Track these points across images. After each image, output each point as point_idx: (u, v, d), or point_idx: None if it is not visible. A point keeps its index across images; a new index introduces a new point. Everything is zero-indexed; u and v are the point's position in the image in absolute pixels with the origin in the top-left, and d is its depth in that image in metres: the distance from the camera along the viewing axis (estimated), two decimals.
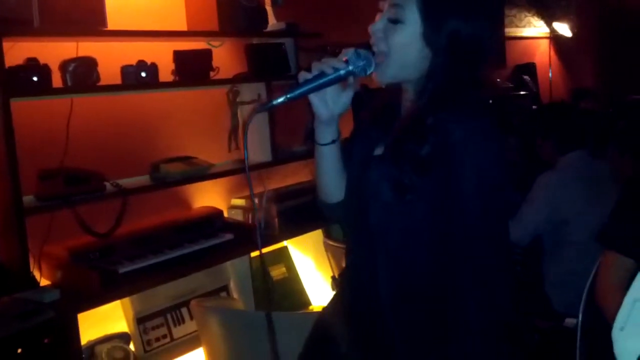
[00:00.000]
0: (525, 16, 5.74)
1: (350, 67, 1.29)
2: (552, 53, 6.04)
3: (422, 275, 1.29)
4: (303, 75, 1.29)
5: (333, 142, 1.38)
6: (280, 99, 1.27)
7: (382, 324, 1.33)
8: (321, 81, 1.29)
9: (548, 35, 5.98)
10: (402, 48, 1.28)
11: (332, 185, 1.44)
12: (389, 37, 1.28)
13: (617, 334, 1.04)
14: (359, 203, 1.36)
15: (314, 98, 1.31)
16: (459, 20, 1.26)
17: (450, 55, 1.26)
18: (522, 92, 5.27)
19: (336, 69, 1.28)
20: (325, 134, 1.38)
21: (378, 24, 1.31)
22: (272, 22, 3.10)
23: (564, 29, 5.93)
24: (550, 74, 5.98)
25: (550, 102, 5.01)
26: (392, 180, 1.26)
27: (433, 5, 1.25)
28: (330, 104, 1.32)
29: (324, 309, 1.60)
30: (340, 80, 1.30)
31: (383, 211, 1.30)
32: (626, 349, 1.01)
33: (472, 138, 1.22)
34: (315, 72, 1.29)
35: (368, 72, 1.31)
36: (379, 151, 1.36)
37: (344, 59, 1.29)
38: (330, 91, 1.31)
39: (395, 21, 1.27)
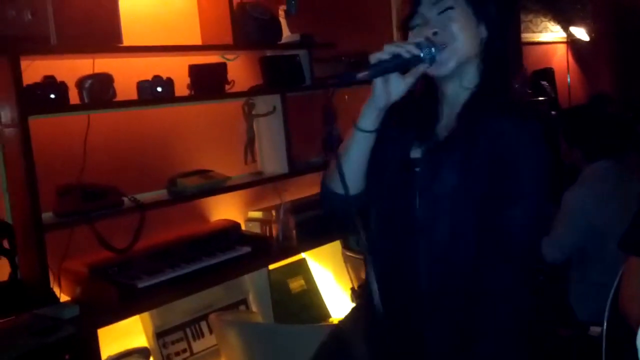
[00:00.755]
0: (542, 21, 5.70)
1: (422, 54, 1.28)
2: (570, 58, 5.99)
3: (462, 272, 1.32)
4: (377, 56, 1.27)
5: (375, 131, 1.35)
6: (361, 75, 1.25)
7: (417, 321, 1.35)
8: (396, 62, 1.27)
9: (565, 40, 5.93)
10: (463, 29, 1.33)
11: (356, 175, 1.39)
12: (448, 25, 1.32)
13: None
14: (401, 201, 1.37)
15: (379, 81, 1.29)
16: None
17: (500, 27, 1.35)
18: (540, 98, 5.22)
19: (411, 52, 1.28)
20: (372, 120, 1.34)
21: (433, 23, 1.33)
22: (286, 34, 3.11)
23: (581, 33, 5.88)
24: (568, 79, 5.93)
25: (575, 107, 4.95)
26: (457, 163, 1.30)
27: None
28: (391, 90, 1.30)
29: (342, 319, 1.58)
30: (410, 65, 1.29)
31: (433, 206, 1.32)
32: None
33: (533, 138, 1.29)
34: (389, 53, 1.27)
35: (434, 62, 1.31)
36: (416, 154, 1.38)
37: (415, 44, 1.29)
38: (393, 76, 1.29)
39: (447, 9, 1.32)
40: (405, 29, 1.38)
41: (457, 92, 1.38)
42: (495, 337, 1.29)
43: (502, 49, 1.37)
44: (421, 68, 1.30)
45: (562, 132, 2.89)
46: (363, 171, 1.40)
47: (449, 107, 1.40)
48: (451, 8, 1.32)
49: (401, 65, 1.28)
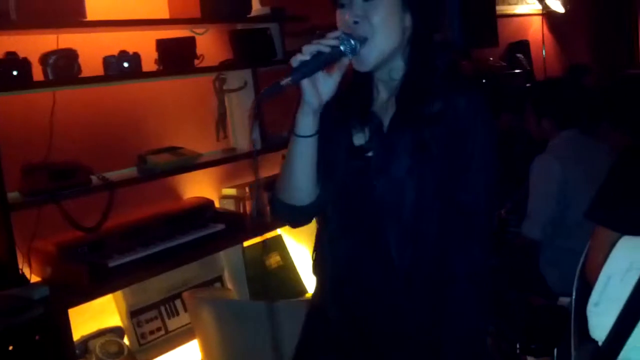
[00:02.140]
0: None
1: (342, 47, 1.25)
2: (545, 30, 5.98)
3: (431, 246, 1.35)
4: (298, 58, 1.23)
5: (315, 134, 1.31)
6: (285, 82, 1.21)
7: (394, 300, 1.37)
8: (319, 60, 1.23)
9: (541, 12, 5.92)
10: (386, 21, 1.28)
11: (305, 185, 1.36)
12: (371, 16, 1.27)
13: (591, 309, 1.02)
14: (359, 187, 1.37)
15: (306, 83, 1.24)
16: None
17: (425, 13, 1.32)
18: (515, 71, 5.22)
19: (330, 45, 1.24)
20: (310, 124, 1.30)
21: (356, 10, 1.28)
22: (257, 7, 3.06)
23: (556, 5, 5.87)
24: (544, 52, 5.93)
25: (547, 79, 4.96)
26: (410, 143, 1.31)
27: None
28: (320, 90, 1.27)
29: (313, 296, 1.58)
30: (334, 60, 1.25)
31: (395, 188, 1.33)
32: (599, 324, 0.99)
33: (479, 109, 1.32)
34: (309, 53, 1.24)
35: (356, 53, 1.27)
36: (359, 140, 1.37)
37: (333, 39, 1.25)
38: (320, 76, 1.26)
39: None
40: (333, 4, 1.33)
41: (387, 80, 1.38)
42: (464, 307, 1.35)
43: (427, 36, 1.35)
44: (345, 61, 1.27)
45: (532, 104, 2.89)
46: (313, 176, 1.36)
47: (383, 90, 1.39)
48: None
49: (324, 62, 1.24)
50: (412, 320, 1.38)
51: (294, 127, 1.32)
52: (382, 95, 1.40)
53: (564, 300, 2.37)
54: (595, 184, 2.07)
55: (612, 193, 1.83)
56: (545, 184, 2.69)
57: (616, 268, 1.08)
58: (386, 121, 1.37)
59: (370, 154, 1.36)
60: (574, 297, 2.00)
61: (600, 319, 0.97)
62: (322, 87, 1.27)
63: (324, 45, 1.24)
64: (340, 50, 1.25)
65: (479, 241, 1.36)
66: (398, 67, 1.36)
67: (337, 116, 1.37)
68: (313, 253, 1.52)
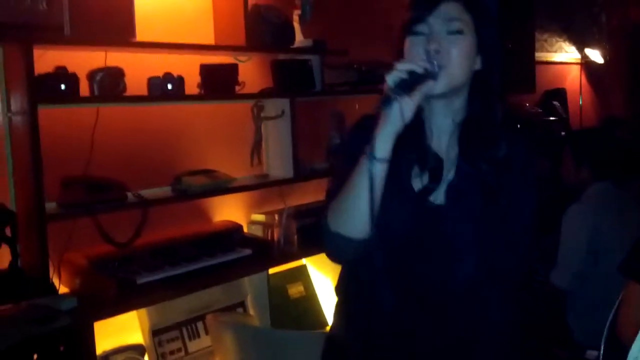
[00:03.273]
0: (557, 41, 5.68)
1: (430, 69, 1.25)
2: (583, 79, 5.97)
3: (484, 294, 1.37)
4: (395, 74, 1.22)
5: (388, 160, 1.25)
6: (394, 96, 1.21)
7: (431, 343, 1.37)
8: (414, 79, 1.22)
9: (579, 61, 5.92)
10: (463, 57, 1.31)
11: (368, 214, 1.25)
12: (452, 49, 1.29)
13: None
14: (419, 233, 1.35)
15: (398, 101, 1.21)
16: (494, 27, 1.38)
17: (493, 59, 1.35)
18: (551, 118, 5.20)
19: (423, 67, 1.24)
20: (388, 147, 1.24)
21: (437, 39, 1.29)
22: (299, 39, 3.11)
23: (595, 55, 5.87)
24: (580, 101, 5.91)
25: (589, 127, 4.93)
26: (479, 189, 1.31)
27: (483, 15, 1.34)
28: (404, 111, 1.23)
29: (333, 328, 1.57)
30: (422, 81, 1.24)
31: (460, 236, 1.33)
32: None
33: (531, 154, 1.38)
34: (405, 70, 1.22)
35: (436, 79, 1.27)
36: (418, 184, 1.35)
37: (422, 61, 1.26)
38: (404, 98, 1.23)
39: (458, 32, 1.30)
40: (405, 32, 1.33)
41: (441, 123, 1.37)
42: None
43: (491, 81, 1.36)
44: (429, 84, 1.25)
45: (571, 151, 2.88)
46: (376, 207, 1.25)
47: (437, 135, 1.38)
48: (461, 32, 1.30)
49: (415, 81, 1.23)
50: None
51: (369, 150, 1.24)
52: (437, 138, 1.38)
53: (591, 354, 2.33)
54: (627, 237, 2.05)
55: None
56: (576, 234, 2.66)
57: None
58: (446, 165, 1.35)
59: (434, 199, 1.35)
60: (602, 351, 1.97)
61: None
62: (405, 109, 1.23)
63: (417, 65, 1.23)
64: (428, 72, 1.24)
65: (516, 291, 1.39)
66: (458, 109, 1.36)
67: (392, 159, 1.29)
68: (338, 290, 1.51)
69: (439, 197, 1.35)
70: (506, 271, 1.35)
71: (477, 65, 1.34)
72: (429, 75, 1.24)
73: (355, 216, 1.27)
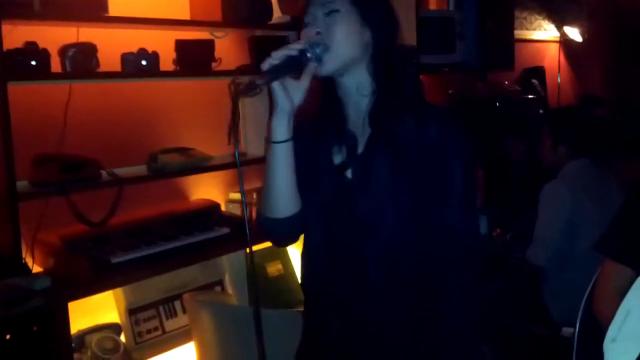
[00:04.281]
0: (536, 19, 5.67)
1: (309, 53, 1.32)
2: (562, 57, 5.98)
3: (410, 263, 1.39)
4: (268, 62, 1.29)
5: (290, 139, 1.36)
6: (261, 81, 1.27)
7: (372, 316, 1.40)
8: (288, 64, 1.30)
9: (558, 39, 5.92)
10: (346, 34, 1.36)
11: (286, 193, 1.39)
12: (331, 29, 1.35)
13: (608, 345, 1.01)
14: (339, 205, 1.41)
15: (277, 86, 1.30)
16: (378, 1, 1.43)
17: (386, 30, 1.40)
18: (530, 96, 5.21)
19: (297, 49, 1.31)
20: (284, 129, 1.34)
21: (318, 23, 1.36)
22: (277, 15, 3.06)
23: (574, 33, 5.87)
24: (559, 79, 5.93)
25: (566, 106, 4.95)
26: (387, 161, 1.35)
27: None
28: (291, 95, 1.33)
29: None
30: (302, 65, 1.32)
31: (373, 207, 1.37)
32: None
33: (455, 128, 1.39)
34: (279, 57, 1.29)
35: (320, 61, 1.34)
36: (338, 159, 1.42)
37: (300, 44, 1.33)
38: (290, 82, 1.32)
39: (332, 12, 1.36)
40: (302, 25, 1.41)
41: (357, 98, 1.42)
42: (457, 323, 1.40)
43: (389, 51, 1.41)
44: (311, 67, 1.33)
45: (550, 129, 2.89)
46: (292, 185, 1.39)
47: (354, 109, 1.44)
48: (336, 11, 1.36)
49: (292, 65, 1.31)
50: (392, 337, 1.41)
51: (269, 135, 1.37)
52: (354, 113, 1.43)
53: (567, 330, 2.36)
54: (605, 216, 2.06)
55: (624, 227, 1.82)
56: (554, 211, 2.68)
57: (636, 303, 1.07)
58: (361, 139, 1.41)
59: (349, 173, 1.41)
60: (577, 328, 1.99)
61: (619, 356, 0.96)
62: (292, 92, 1.33)
63: (292, 49, 1.31)
64: (307, 55, 1.32)
65: (468, 260, 1.41)
66: (365, 83, 1.41)
67: (315, 135, 1.43)
68: (301, 267, 1.56)
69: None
70: (441, 250, 1.39)
71: (367, 38, 1.39)
72: (309, 57, 1.32)
73: (274, 198, 1.39)
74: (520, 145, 3.98)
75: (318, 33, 1.35)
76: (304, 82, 1.34)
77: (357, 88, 1.41)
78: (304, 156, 1.40)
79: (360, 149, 1.41)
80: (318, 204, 1.43)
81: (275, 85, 1.30)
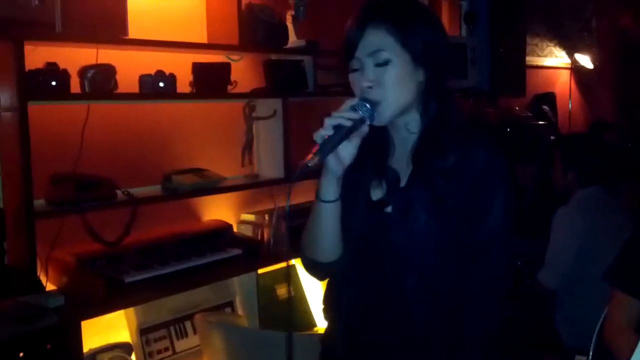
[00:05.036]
0: (547, 46, 5.71)
1: (360, 114, 1.28)
2: (573, 84, 6.00)
3: (449, 297, 1.37)
4: (321, 134, 1.26)
5: (338, 198, 1.35)
6: (312, 162, 1.25)
7: (408, 352, 1.39)
8: (341, 134, 1.26)
9: (569, 65, 5.95)
10: (399, 82, 1.31)
11: (331, 244, 1.40)
12: (383, 81, 1.31)
13: None
14: (376, 242, 1.39)
15: (330, 157, 1.27)
16: (429, 34, 1.35)
17: (436, 66, 1.34)
18: (540, 122, 5.22)
19: (352, 119, 1.27)
20: (333, 190, 1.34)
21: (369, 75, 1.32)
22: (292, 39, 3.10)
23: (585, 60, 5.90)
24: (570, 105, 5.94)
25: (577, 133, 4.96)
26: (427, 198, 1.33)
27: (409, 29, 1.32)
28: (342, 157, 1.29)
29: (325, 337, 1.58)
30: (355, 130, 1.28)
31: (413, 243, 1.35)
32: None
33: (497, 162, 1.35)
34: (331, 127, 1.26)
35: (373, 118, 1.30)
36: (377, 195, 1.40)
37: (351, 109, 1.29)
38: (341, 144, 1.28)
39: (384, 63, 1.30)
40: (345, 67, 1.37)
41: (404, 134, 1.40)
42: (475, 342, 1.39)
43: (439, 87, 1.37)
44: (365, 128, 1.30)
45: (559, 156, 2.90)
46: (338, 236, 1.40)
47: (400, 145, 1.42)
48: (388, 62, 1.30)
49: (346, 134, 1.27)
50: None
51: (318, 193, 1.36)
52: (400, 149, 1.42)
53: (580, 358, 2.34)
54: (615, 242, 2.07)
55: (632, 258, 1.82)
56: (566, 236, 2.68)
57: None
58: (404, 176, 1.39)
59: (389, 209, 1.39)
60: (590, 356, 1.98)
61: None
62: (343, 155, 1.29)
63: (344, 118, 1.27)
64: (359, 119, 1.28)
65: (496, 296, 1.39)
66: (414, 120, 1.39)
67: (355, 172, 1.38)
68: (324, 299, 1.55)
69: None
70: (474, 277, 1.36)
71: (421, 78, 1.35)
72: (361, 121, 1.28)
73: (319, 245, 1.41)
74: (529, 171, 3.98)
75: (370, 87, 1.31)
76: (355, 142, 1.29)
77: (406, 125, 1.38)
78: (342, 192, 1.37)
79: (402, 184, 1.39)
80: (356, 240, 1.41)
81: (329, 156, 1.27)
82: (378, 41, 1.31)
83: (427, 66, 1.34)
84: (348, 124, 1.26)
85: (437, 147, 1.35)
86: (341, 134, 1.26)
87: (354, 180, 1.39)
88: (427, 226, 1.34)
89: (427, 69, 1.34)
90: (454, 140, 1.35)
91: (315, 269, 1.47)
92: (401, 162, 1.40)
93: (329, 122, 1.27)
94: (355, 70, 1.34)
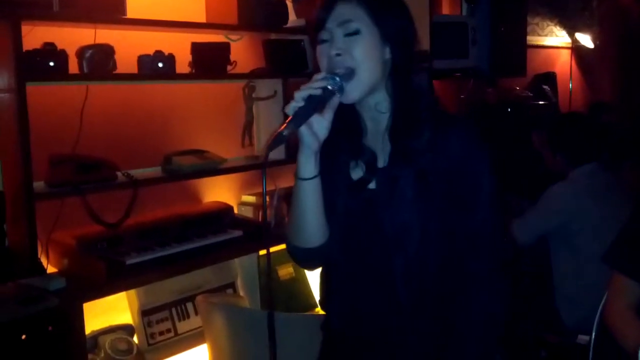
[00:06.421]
0: (548, 25, 5.67)
1: (330, 86, 1.29)
2: (573, 64, 5.97)
3: (437, 277, 1.37)
4: (292, 105, 1.26)
5: (318, 175, 1.34)
6: (287, 131, 1.24)
7: (399, 331, 1.39)
8: (312, 104, 1.27)
9: (570, 45, 5.92)
10: (368, 54, 1.32)
11: (315, 226, 1.38)
12: (352, 49, 1.31)
13: None
14: (363, 221, 1.39)
15: (304, 129, 1.28)
16: (398, 15, 1.37)
17: (403, 47, 1.35)
18: (540, 102, 5.20)
19: (321, 87, 1.27)
20: (312, 166, 1.33)
21: (338, 44, 1.32)
22: (292, 18, 3.07)
23: (586, 39, 5.87)
24: (570, 85, 5.92)
25: (564, 114, 4.94)
26: (410, 175, 1.33)
27: (378, 7, 1.33)
28: (316, 131, 1.30)
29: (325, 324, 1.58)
30: (325, 101, 1.29)
31: (401, 220, 1.35)
32: None
33: (472, 137, 1.36)
34: (302, 98, 1.27)
35: (343, 90, 1.31)
36: (356, 174, 1.40)
37: (321, 80, 1.29)
38: (314, 118, 1.29)
39: (354, 33, 1.31)
40: (315, 41, 1.37)
41: (374, 114, 1.40)
42: (477, 333, 1.38)
43: (407, 67, 1.38)
44: (335, 100, 1.30)
45: (548, 140, 2.89)
46: (322, 217, 1.38)
47: (372, 124, 1.42)
48: (357, 32, 1.31)
49: (317, 104, 1.28)
50: (417, 352, 1.41)
51: (296, 172, 1.35)
52: (372, 129, 1.42)
53: (582, 338, 2.35)
54: (612, 221, 2.06)
55: (631, 240, 1.82)
56: (553, 209, 2.70)
57: None
58: (380, 154, 1.39)
59: (372, 186, 1.39)
60: (593, 336, 1.98)
61: None
62: (317, 129, 1.30)
63: (314, 88, 1.27)
64: (329, 90, 1.28)
65: (492, 263, 1.39)
66: (383, 100, 1.39)
67: (332, 157, 1.39)
68: (320, 287, 1.55)
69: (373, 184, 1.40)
70: (460, 252, 1.37)
71: (387, 55, 1.35)
72: (331, 92, 1.29)
73: (303, 230, 1.39)
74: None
75: (338, 55, 1.32)
76: (328, 116, 1.30)
77: (375, 106, 1.39)
78: (321, 176, 1.37)
79: (382, 163, 1.40)
80: (341, 221, 1.41)
81: (302, 127, 1.27)
82: (349, 12, 1.32)
83: (394, 45, 1.35)
84: (318, 92, 1.27)
85: (412, 125, 1.36)
86: (313, 103, 1.27)
87: (332, 164, 1.40)
88: (414, 203, 1.35)
89: (394, 48, 1.35)
90: (427, 119, 1.36)
91: (302, 256, 1.45)
92: (375, 141, 1.41)
93: (299, 94, 1.27)
94: (324, 41, 1.34)
